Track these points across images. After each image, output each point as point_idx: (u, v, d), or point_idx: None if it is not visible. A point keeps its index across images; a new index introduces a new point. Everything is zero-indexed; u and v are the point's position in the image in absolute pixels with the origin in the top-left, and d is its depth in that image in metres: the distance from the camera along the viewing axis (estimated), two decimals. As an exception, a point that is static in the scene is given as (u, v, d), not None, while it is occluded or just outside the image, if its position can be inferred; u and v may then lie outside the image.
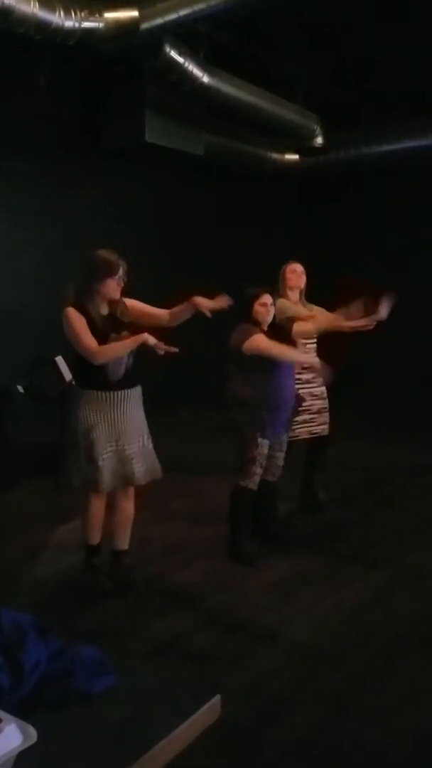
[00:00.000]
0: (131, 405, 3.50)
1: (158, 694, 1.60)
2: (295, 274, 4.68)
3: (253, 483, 4.07)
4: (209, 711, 1.55)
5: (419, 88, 7.78)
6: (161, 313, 3.57)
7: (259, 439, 3.99)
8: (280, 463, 4.25)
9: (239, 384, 4.02)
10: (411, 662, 3.06)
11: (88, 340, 3.31)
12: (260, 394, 3.95)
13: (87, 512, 3.62)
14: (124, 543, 3.72)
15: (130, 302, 3.53)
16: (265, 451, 4.04)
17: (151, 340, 3.32)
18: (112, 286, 3.38)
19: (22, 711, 1.42)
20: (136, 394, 3.53)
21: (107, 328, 3.39)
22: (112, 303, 3.44)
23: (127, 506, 3.66)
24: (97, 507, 3.61)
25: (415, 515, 4.98)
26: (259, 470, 4.06)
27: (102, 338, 3.35)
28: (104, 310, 3.43)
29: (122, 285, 3.42)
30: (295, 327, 4.32)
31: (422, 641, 3.24)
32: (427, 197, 9.25)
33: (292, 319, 4.40)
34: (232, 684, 2.77)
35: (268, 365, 3.94)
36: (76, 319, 3.33)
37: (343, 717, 2.66)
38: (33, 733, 1.34)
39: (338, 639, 3.25)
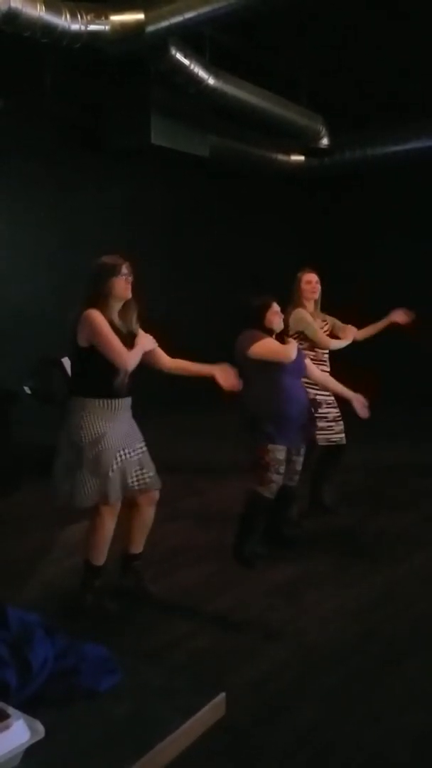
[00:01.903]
0: (129, 413, 3.48)
1: (162, 691, 1.63)
2: (310, 285, 4.71)
3: (270, 492, 3.96)
4: (213, 709, 1.56)
5: (425, 89, 7.78)
6: (165, 360, 3.57)
7: (270, 446, 3.94)
8: (299, 467, 4.18)
9: (245, 394, 4.03)
10: (414, 663, 3.07)
11: (118, 344, 3.26)
12: (267, 405, 3.93)
13: (97, 531, 3.43)
14: (140, 547, 3.62)
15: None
16: (280, 456, 3.95)
17: (150, 345, 3.36)
18: (121, 285, 3.34)
19: (29, 707, 1.44)
20: (130, 401, 3.50)
21: (124, 332, 3.36)
22: (124, 308, 3.41)
23: (150, 511, 3.55)
24: (109, 525, 3.43)
25: (420, 515, 4.99)
26: (276, 477, 3.95)
27: (122, 342, 3.30)
28: (117, 318, 3.38)
29: (130, 282, 3.38)
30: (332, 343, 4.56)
31: (426, 642, 3.26)
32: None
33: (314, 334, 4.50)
34: (236, 682, 2.79)
35: (273, 375, 3.93)
36: (102, 323, 3.25)
37: (346, 716, 2.67)
38: (40, 728, 1.36)
39: (341, 639, 3.27)
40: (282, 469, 3.98)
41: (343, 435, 4.76)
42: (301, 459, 4.19)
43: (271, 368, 3.94)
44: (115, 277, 3.33)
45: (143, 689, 1.62)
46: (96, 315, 3.27)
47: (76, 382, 3.48)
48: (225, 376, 3.52)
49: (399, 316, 4.81)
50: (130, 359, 3.30)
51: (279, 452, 3.96)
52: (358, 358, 5.10)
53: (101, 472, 3.29)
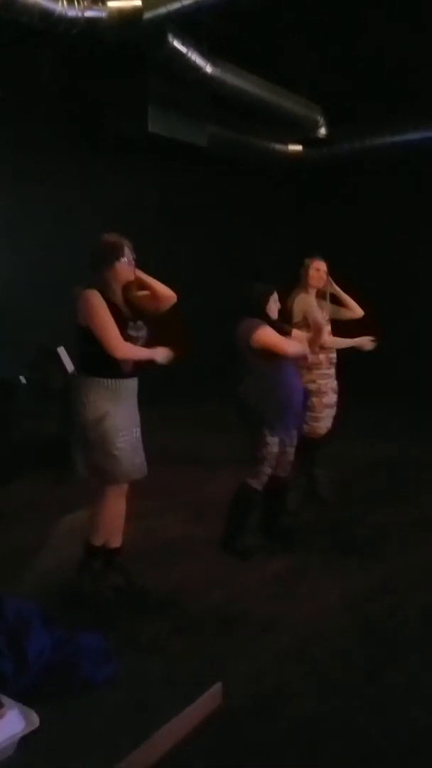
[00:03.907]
0: (134, 395, 3.46)
1: (160, 681, 1.62)
2: (319, 273, 4.69)
3: (260, 483, 4.01)
4: (210, 698, 1.56)
5: (423, 80, 7.74)
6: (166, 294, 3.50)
7: (269, 437, 3.95)
8: (291, 458, 4.19)
9: (245, 382, 4.02)
10: (412, 655, 3.07)
11: (115, 331, 3.22)
12: (266, 393, 3.93)
13: (103, 509, 3.42)
14: (118, 540, 3.57)
15: (138, 274, 3.45)
16: (275, 449, 3.99)
17: (162, 358, 3.32)
18: (124, 269, 3.32)
19: (26, 698, 1.43)
20: (136, 384, 3.47)
21: (127, 314, 3.33)
22: (125, 287, 3.38)
23: (122, 503, 3.50)
24: (118, 504, 3.41)
25: (417, 509, 4.99)
26: (268, 470, 4.00)
27: (123, 324, 3.27)
28: (121, 297, 3.35)
29: (133, 264, 3.35)
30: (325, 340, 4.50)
31: (423, 634, 3.26)
32: (430, 189, 9.22)
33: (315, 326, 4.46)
34: (233, 673, 2.79)
35: (273, 363, 3.92)
36: (100, 305, 3.22)
37: (343, 709, 2.67)
38: (35, 718, 1.36)
39: (339, 632, 3.26)
40: (274, 462, 4.01)
41: (332, 419, 4.78)
42: (293, 450, 4.19)
43: (272, 355, 3.93)
44: (119, 261, 3.30)
45: (140, 680, 1.61)
46: (94, 297, 3.23)
47: (84, 361, 3.45)
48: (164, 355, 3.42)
49: (364, 342, 4.79)
50: (123, 350, 3.25)
51: (274, 445, 3.98)
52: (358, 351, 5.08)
53: (106, 451, 3.28)
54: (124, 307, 3.33)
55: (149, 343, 3.41)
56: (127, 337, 3.30)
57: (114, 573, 3.57)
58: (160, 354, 3.35)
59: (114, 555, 3.58)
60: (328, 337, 4.58)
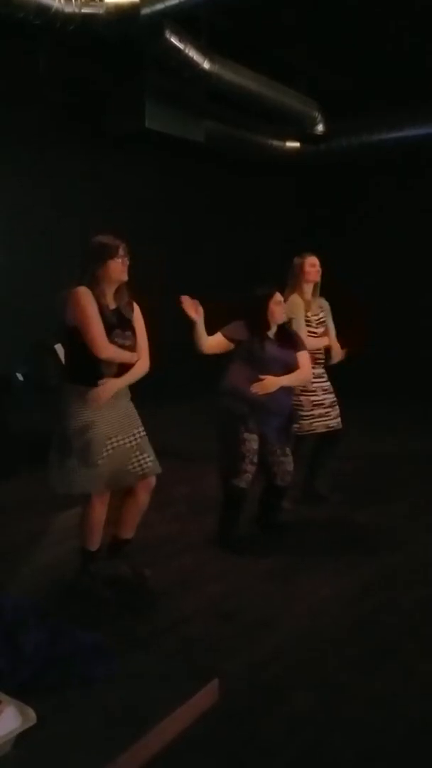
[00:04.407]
0: (125, 398, 3.43)
1: (156, 677, 1.62)
2: (315, 268, 4.68)
3: (244, 482, 3.99)
4: (207, 694, 1.56)
5: (421, 76, 7.73)
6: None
7: (245, 434, 3.92)
8: (290, 468, 4.16)
9: (228, 373, 4.02)
10: (409, 648, 3.08)
11: (100, 328, 3.19)
12: (242, 386, 3.90)
13: (87, 517, 3.42)
14: (131, 532, 3.61)
15: (137, 311, 3.45)
16: (254, 446, 3.96)
17: (136, 371, 3.33)
18: (117, 268, 3.27)
19: (23, 694, 1.43)
20: (126, 390, 3.44)
21: (114, 321, 3.28)
22: (118, 292, 3.35)
23: (146, 498, 3.52)
24: (99, 511, 3.41)
25: (413, 504, 5.00)
26: (250, 468, 3.96)
27: (108, 329, 3.24)
28: (111, 302, 3.32)
29: (126, 265, 3.31)
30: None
31: (420, 628, 3.26)
32: (428, 185, 9.22)
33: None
34: (230, 668, 2.79)
35: (251, 360, 3.91)
36: (88, 302, 3.18)
37: (341, 703, 2.68)
38: (32, 715, 1.36)
39: (336, 626, 3.27)
40: (255, 459, 3.98)
41: (339, 420, 4.77)
42: (289, 459, 4.16)
43: (248, 356, 3.92)
44: (112, 260, 3.25)
45: (137, 675, 1.62)
46: (83, 294, 3.20)
47: (67, 368, 3.40)
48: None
49: (336, 353, 4.85)
50: (105, 349, 3.22)
51: (253, 441, 3.95)
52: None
53: (90, 461, 3.25)
54: (112, 313, 3.30)
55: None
56: (112, 344, 3.26)
57: (120, 563, 3.59)
58: (139, 368, 3.32)
59: (123, 545, 3.60)
60: (313, 340, 4.58)
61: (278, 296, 4.03)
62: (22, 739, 1.32)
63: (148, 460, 3.42)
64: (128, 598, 3.46)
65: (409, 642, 3.14)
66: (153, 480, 3.50)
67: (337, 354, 4.86)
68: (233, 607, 3.44)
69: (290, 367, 4.05)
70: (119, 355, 3.29)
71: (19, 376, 5.80)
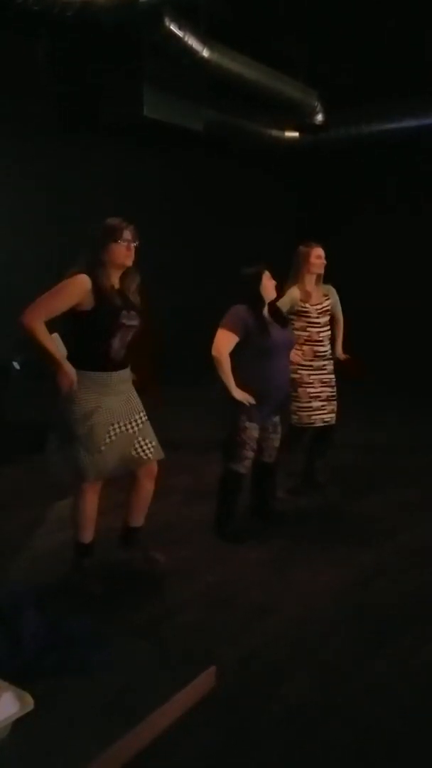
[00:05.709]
0: (128, 384, 3.42)
1: (154, 664, 1.63)
2: (321, 260, 4.63)
3: (243, 467, 4.03)
4: (204, 681, 1.57)
5: (421, 66, 7.70)
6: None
7: (247, 423, 3.95)
8: (276, 444, 4.21)
9: (236, 371, 4.01)
10: (403, 637, 3.09)
11: (52, 304, 3.13)
12: (247, 380, 3.91)
13: (79, 508, 3.38)
14: (141, 520, 3.62)
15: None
16: (255, 434, 4.00)
17: (64, 379, 3.20)
18: (121, 252, 3.20)
19: (20, 680, 1.44)
20: (129, 372, 3.43)
21: (118, 302, 3.23)
22: (125, 277, 3.31)
23: (149, 485, 3.53)
24: (91, 501, 3.37)
25: (409, 494, 5.01)
26: (249, 454, 4.02)
27: (113, 313, 3.20)
28: (114, 282, 3.27)
29: (133, 249, 3.24)
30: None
31: (415, 617, 3.28)
32: (427, 175, 9.20)
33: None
34: (226, 656, 2.80)
35: (253, 354, 3.91)
36: (73, 287, 3.13)
37: (337, 690, 2.69)
38: (30, 701, 1.36)
39: (332, 614, 3.28)
40: (255, 446, 4.03)
41: (334, 415, 4.76)
42: (278, 436, 4.22)
43: (254, 348, 3.92)
44: (115, 243, 3.20)
45: (134, 662, 1.62)
46: (76, 280, 3.14)
47: (71, 352, 3.36)
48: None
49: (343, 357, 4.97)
50: (32, 320, 3.15)
51: (254, 430, 3.99)
52: (352, 341, 5.09)
53: (93, 447, 3.24)
54: (117, 295, 3.26)
55: (138, 335, 3.38)
56: (120, 325, 3.25)
57: (130, 550, 3.62)
58: (65, 377, 3.19)
59: (134, 534, 3.63)
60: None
61: (267, 273, 4.04)
62: (20, 724, 1.33)
63: (150, 445, 3.42)
64: (124, 585, 3.47)
65: (405, 630, 3.15)
66: (155, 467, 3.50)
67: (339, 348, 4.87)
68: (230, 595, 3.45)
69: (293, 345, 4.18)
70: (42, 336, 3.18)
71: (16, 365, 5.79)
